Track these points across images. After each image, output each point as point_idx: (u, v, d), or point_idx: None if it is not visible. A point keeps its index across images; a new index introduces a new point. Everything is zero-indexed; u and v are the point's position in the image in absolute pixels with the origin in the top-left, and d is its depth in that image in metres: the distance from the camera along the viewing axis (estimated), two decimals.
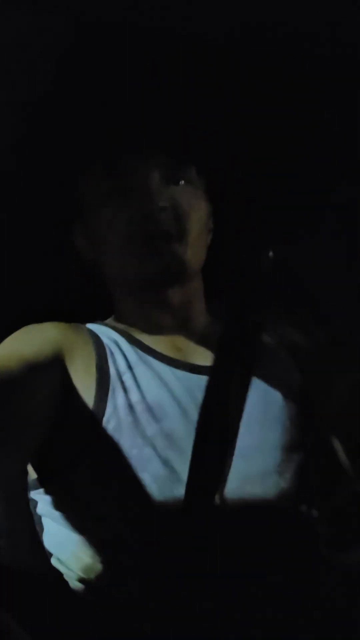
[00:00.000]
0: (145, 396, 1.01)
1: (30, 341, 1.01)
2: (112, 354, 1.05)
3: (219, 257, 1.14)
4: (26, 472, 1.05)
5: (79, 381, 1.01)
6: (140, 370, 1.04)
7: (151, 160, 1.07)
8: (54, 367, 0.99)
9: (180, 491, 0.94)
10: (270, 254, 1.11)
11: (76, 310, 1.13)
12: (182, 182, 1.08)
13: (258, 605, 0.92)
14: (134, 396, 1.01)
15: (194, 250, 1.08)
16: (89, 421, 0.99)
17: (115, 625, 0.93)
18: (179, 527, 0.94)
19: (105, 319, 1.15)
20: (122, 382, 1.02)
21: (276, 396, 1.05)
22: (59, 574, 1.00)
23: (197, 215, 1.09)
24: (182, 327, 1.11)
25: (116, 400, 1.00)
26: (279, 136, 1.11)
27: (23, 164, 1.11)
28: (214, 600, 0.91)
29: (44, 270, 1.22)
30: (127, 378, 1.02)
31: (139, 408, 1.00)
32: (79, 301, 1.19)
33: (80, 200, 1.12)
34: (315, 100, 1.10)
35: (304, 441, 1.03)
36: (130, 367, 1.04)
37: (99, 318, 1.15)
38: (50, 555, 1.03)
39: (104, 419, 0.98)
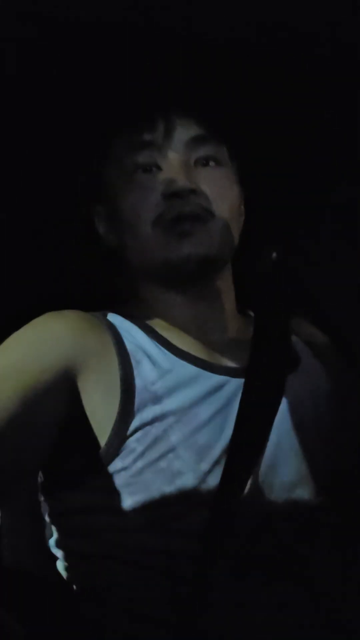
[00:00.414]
0: (179, 406, 0.95)
1: (38, 352, 0.93)
2: (138, 363, 0.97)
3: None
4: (36, 475, 1.03)
5: (97, 395, 0.94)
6: (173, 377, 0.97)
7: (178, 138, 1.03)
8: (61, 387, 0.92)
9: (207, 501, 0.92)
10: (274, 254, 1.10)
11: (89, 296, 1.07)
12: (213, 163, 1.05)
13: (258, 606, 0.92)
14: (166, 406, 0.95)
15: (224, 235, 1.03)
16: (91, 447, 0.94)
17: (115, 626, 0.93)
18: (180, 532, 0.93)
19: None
20: (150, 393, 0.95)
21: (299, 404, 1.01)
22: (60, 575, 1.00)
23: (228, 198, 1.05)
24: (212, 324, 1.05)
25: (143, 413, 0.94)
26: (279, 136, 1.11)
27: (41, 145, 1.09)
28: (214, 600, 0.91)
29: (60, 256, 1.18)
30: (158, 388, 0.96)
31: (171, 419, 0.94)
32: (94, 288, 1.13)
33: (103, 180, 1.07)
34: (315, 100, 1.10)
35: (330, 452, 1.00)
36: (161, 376, 0.97)
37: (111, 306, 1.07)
38: (57, 559, 1.02)
39: (128, 432, 0.93)
